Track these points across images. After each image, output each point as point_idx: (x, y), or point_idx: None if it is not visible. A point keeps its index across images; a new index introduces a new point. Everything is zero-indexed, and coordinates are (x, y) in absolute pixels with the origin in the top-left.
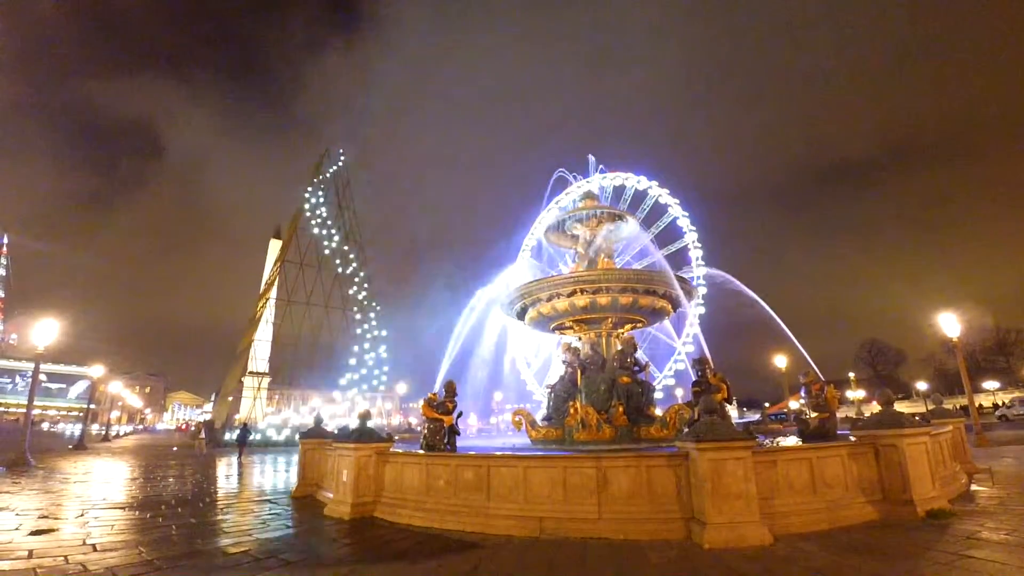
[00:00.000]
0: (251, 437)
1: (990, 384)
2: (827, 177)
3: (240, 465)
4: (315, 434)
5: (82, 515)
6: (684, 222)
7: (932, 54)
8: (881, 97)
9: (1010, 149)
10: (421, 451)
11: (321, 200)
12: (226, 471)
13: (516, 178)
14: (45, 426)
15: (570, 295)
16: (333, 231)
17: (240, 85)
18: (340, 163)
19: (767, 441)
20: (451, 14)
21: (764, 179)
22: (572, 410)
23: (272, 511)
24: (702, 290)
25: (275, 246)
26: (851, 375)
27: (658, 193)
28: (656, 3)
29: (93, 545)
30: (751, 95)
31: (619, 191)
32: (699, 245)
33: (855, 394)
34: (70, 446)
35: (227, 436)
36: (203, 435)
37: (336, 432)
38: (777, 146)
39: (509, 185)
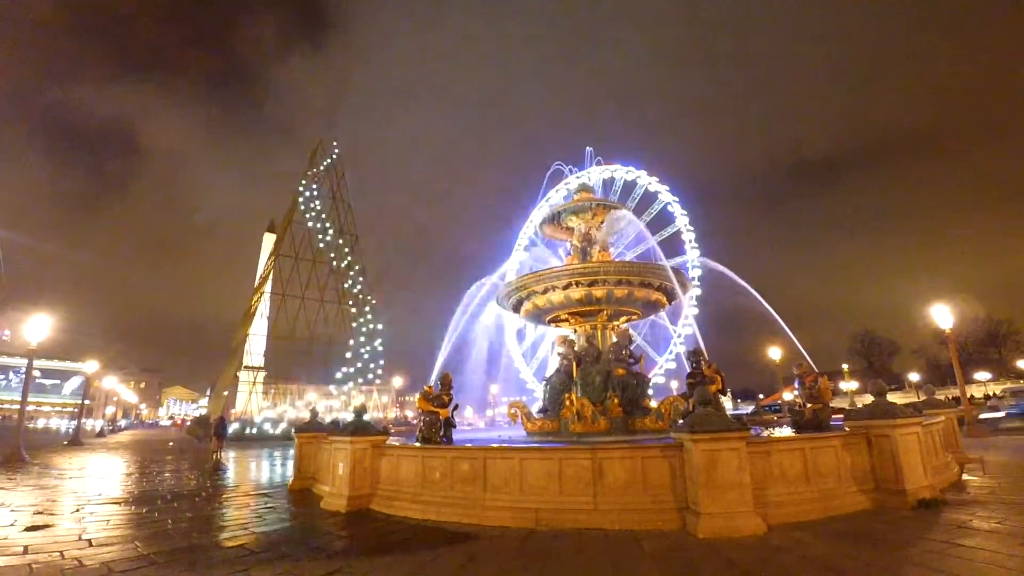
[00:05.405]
0: (230, 431)
1: (982, 375)
2: (805, 171)
3: (217, 460)
4: (311, 428)
5: (77, 510)
6: (675, 207)
7: (912, 44)
8: (858, 91)
9: (998, 143)
10: (417, 444)
11: (315, 193)
12: (224, 465)
13: (511, 171)
14: (40, 422)
15: (565, 288)
16: (327, 224)
17: (219, 86)
18: (334, 155)
19: (761, 432)
20: (422, 14)
21: (744, 171)
22: (568, 402)
23: (268, 505)
24: (696, 272)
25: (269, 240)
26: (844, 366)
27: (647, 182)
28: None
29: (89, 540)
30: (720, 87)
31: (609, 183)
32: (691, 228)
33: (848, 385)
34: (65, 442)
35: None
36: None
37: (332, 425)
38: (754, 138)
39: (504, 179)
